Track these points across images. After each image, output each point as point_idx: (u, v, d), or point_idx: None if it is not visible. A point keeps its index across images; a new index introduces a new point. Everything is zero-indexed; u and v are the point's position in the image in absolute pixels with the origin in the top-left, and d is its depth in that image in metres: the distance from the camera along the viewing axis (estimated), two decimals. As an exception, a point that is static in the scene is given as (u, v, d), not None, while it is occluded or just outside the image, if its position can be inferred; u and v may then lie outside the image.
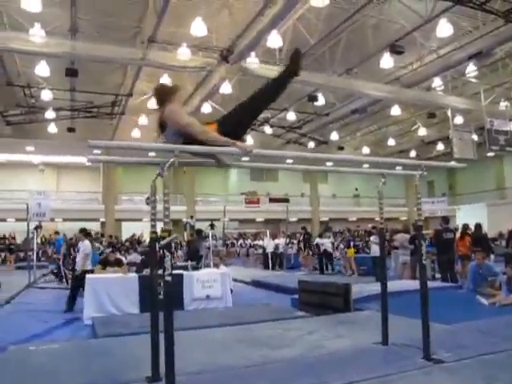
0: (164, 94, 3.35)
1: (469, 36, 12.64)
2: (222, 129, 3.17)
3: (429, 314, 3.77)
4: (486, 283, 7.28)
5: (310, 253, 16.11)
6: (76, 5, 10.47)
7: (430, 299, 3.84)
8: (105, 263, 8.93)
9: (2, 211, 23.33)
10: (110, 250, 10.96)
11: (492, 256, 10.92)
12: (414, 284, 6.03)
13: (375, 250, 12.16)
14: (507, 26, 10.70)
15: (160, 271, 2.98)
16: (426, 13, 11.14)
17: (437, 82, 15.73)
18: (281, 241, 17.99)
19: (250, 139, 20.82)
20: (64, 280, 12.01)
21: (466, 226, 11.10)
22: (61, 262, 12.70)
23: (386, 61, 13.20)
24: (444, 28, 11.44)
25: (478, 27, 12.04)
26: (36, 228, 13.32)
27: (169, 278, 2.87)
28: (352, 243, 14.29)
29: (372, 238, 12.48)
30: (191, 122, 3.16)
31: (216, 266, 8.92)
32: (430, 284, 5.41)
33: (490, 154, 21.27)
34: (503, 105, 15.58)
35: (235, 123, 3.28)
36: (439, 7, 10.70)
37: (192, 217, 20.18)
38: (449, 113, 15.32)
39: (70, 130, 18.52)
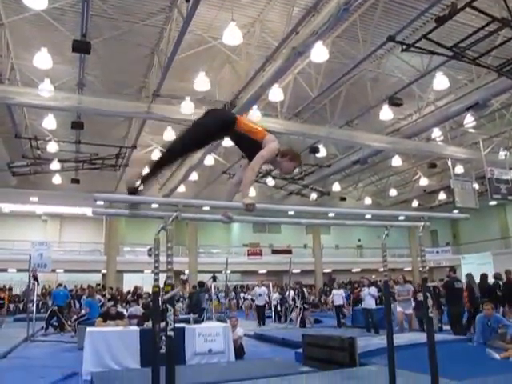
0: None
1: (465, 88, 13.01)
2: None
3: (437, 369, 3.66)
4: (496, 336, 7.09)
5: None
6: (84, 61, 10.87)
7: (439, 353, 3.74)
8: (105, 316, 8.78)
9: (3, 261, 23.20)
10: (112, 303, 10.79)
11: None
12: (422, 337, 5.88)
13: (368, 303, 12.01)
14: (500, 79, 11.01)
15: (162, 325, 2.93)
16: (423, 67, 11.54)
17: (436, 133, 15.94)
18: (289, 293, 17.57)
19: (252, 190, 20.95)
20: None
21: (470, 276, 10.91)
22: None
23: (386, 113, 13.52)
24: (440, 81, 11.82)
25: (473, 80, 12.41)
26: (34, 278, 13.11)
27: (171, 333, 2.82)
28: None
29: (365, 290, 12.27)
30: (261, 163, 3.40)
31: (234, 327, 8.58)
32: (438, 337, 5.27)
33: (493, 202, 21.26)
34: (502, 154, 15.73)
35: None
36: (435, 62, 11.07)
37: (184, 273, 20.35)
38: (449, 163, 15.47)
39: (74, 181, 18.71)
